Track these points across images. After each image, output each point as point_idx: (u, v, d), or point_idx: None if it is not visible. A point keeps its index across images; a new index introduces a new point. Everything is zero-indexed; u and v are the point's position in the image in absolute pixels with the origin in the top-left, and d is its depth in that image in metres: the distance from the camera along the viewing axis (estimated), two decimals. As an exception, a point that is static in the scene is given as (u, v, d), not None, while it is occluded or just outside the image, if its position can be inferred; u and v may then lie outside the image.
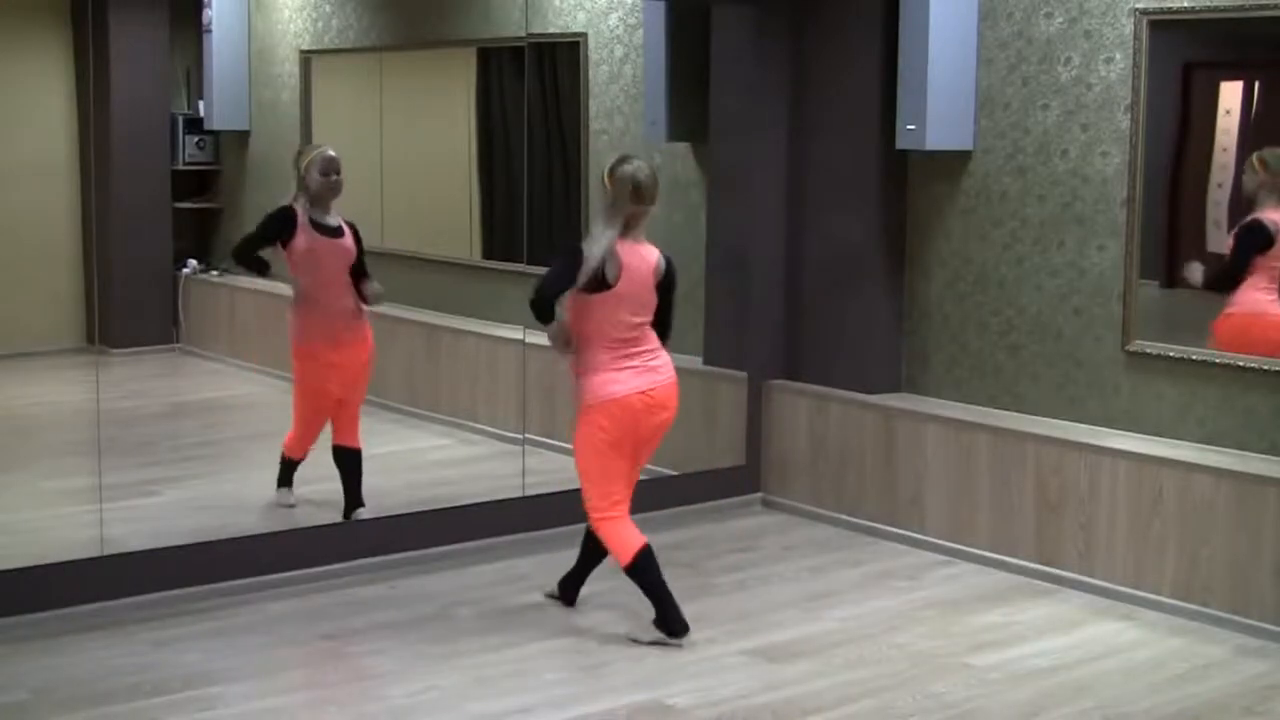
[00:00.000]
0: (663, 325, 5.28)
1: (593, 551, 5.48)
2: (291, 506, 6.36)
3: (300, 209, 6.10)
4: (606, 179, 5.10)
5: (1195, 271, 5.87)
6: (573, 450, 5.27)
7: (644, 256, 5.14)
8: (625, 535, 5.20)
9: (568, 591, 5.57)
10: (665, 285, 5.22)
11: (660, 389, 5.18)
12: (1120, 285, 5.92)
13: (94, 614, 5.31)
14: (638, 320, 5.16)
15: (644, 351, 5.18)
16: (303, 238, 6.07)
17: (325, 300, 6.16)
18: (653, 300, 5.19)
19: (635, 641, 5.19)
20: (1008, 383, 6.34)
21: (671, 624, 5.17)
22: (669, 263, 5.22)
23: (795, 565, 6.18)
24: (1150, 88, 5.77)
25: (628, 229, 5.09)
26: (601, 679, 4.91)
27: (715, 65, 7.06)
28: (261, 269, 6.22)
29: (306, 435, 6.35)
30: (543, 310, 5.08)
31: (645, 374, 5.16)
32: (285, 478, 6.45)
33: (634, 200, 5.06)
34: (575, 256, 5.06)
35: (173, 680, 4.80)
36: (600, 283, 5.04)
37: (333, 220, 6.16)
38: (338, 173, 6.15)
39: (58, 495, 6.35)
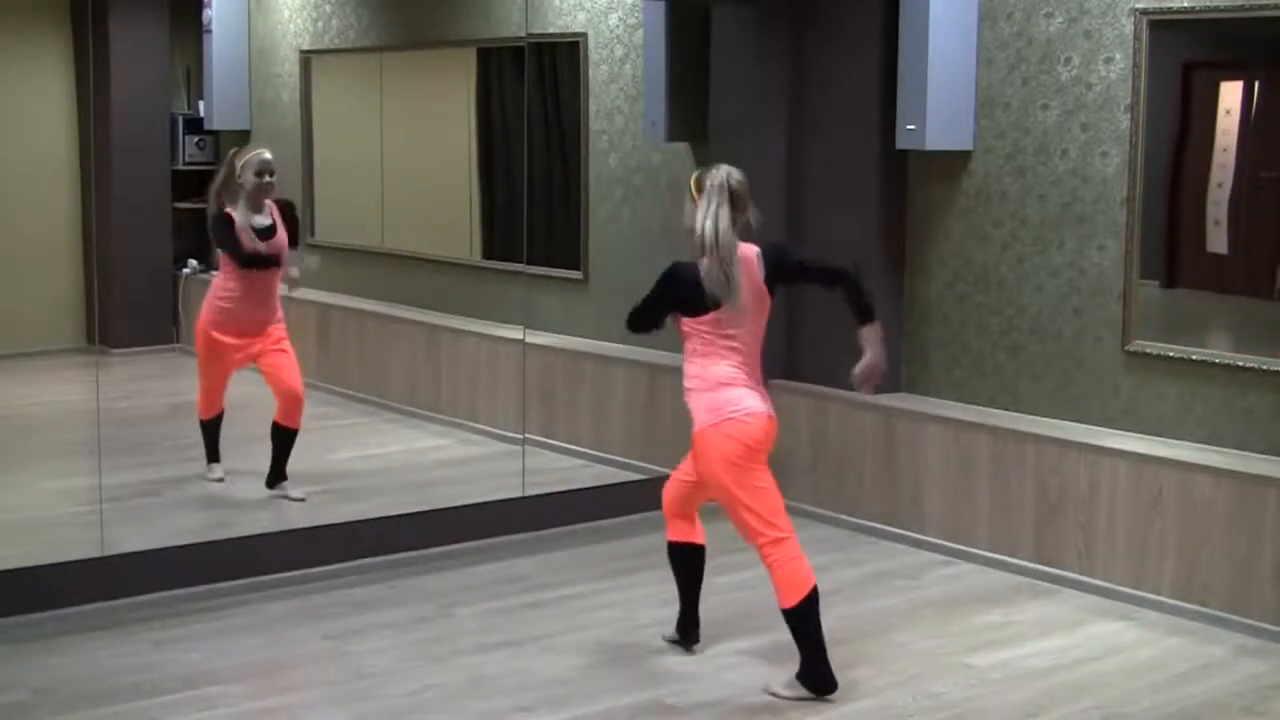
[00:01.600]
0: (832, 278, 4.87)
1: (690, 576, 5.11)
2: (220, 480, 6.64)
3: (236, 215, 6.32)
4: (694, 191, 4.72)
5: None
6: (716, 484, 4.76)
7: (749, 257, 4.73)
8: (805, 571, 4.74)
9: (688, 630, 5.14)
10: (780, 267, 4.78)
11: (762, 427, 4.71)
12: (1120, 285, 5.92)
13: (94, 614, 5.31)
14: (759, 329, 4.77)
15: (748, 385, 4.74)
16: (243, 243, 6.31)
17: (248, 299, 6.42)
18: (767, 297, 4.75)
19: (776, 696, 4.73)
20: (1008, 383, 6.34)
21: (825, 683, 4.71)
22: (766, 247, 4.80)
23: (795, 565, 6.17)
24: (1150, 88, 5.77)
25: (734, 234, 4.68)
26: (601, 679, 4.91)
27: (715, 65, 7.06)
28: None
29: (210, 407, 6.65)
30: (640, 331, 4.83)
31: (751, 408, 4.70)
32: (213, 448, 6.71)
33: (733, 208, 4.66)
34: (678, 283, 4.68)
35: (173, 680, 4.80)
36: (712, 299, 4.64)
37: (264, 219, 6.39)
38: (271, 174, 6.37)
39: (58, 495, 6.36)
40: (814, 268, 4.97)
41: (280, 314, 6.54)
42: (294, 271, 6.64)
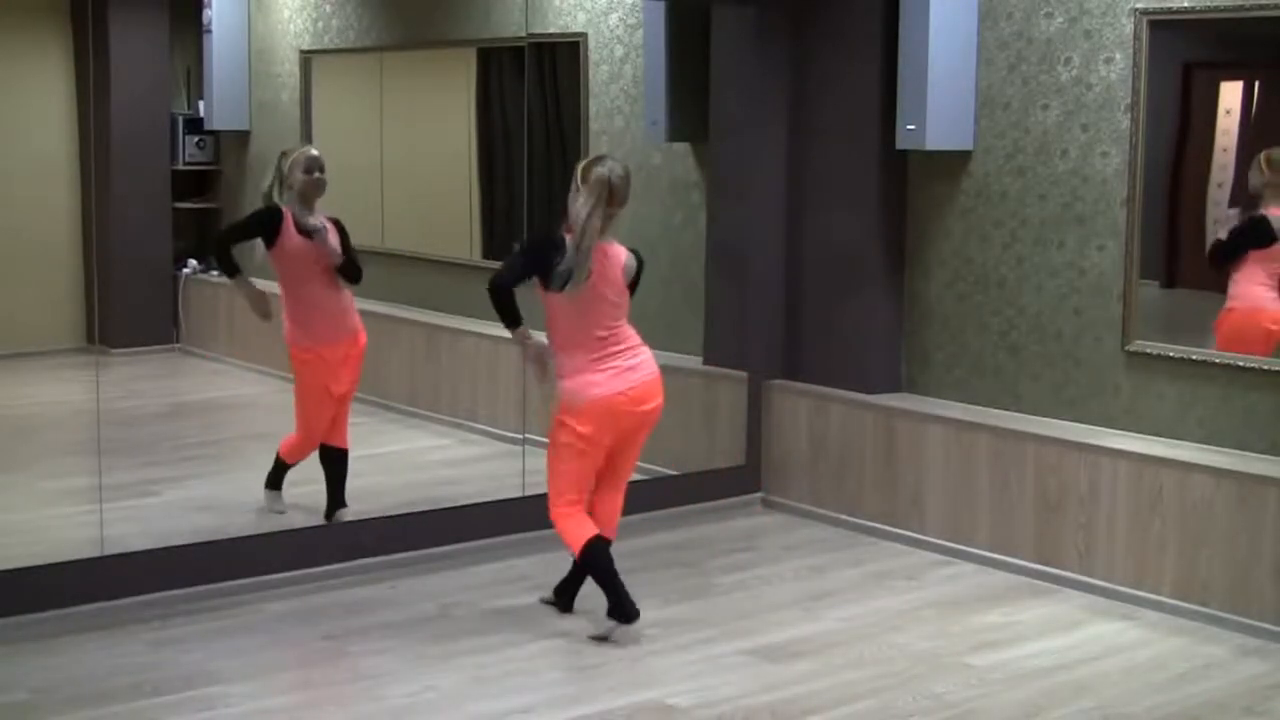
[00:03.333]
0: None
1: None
2: (281, 513, 6.32)
3: (288, 210, 6.08)
4: (579, 180, 5.10)
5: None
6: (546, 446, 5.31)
7: (613, 256, 5.17)
8: (579, 528, 5.24)
9: (563, 597, 5.55)
10: (634, 283, 5.26)
11: (640, 386, 5.20)
12: (1120, 285, 5.92)
13: (94, 614, 5.31)
14: (613, 321, 5.18)
15: (622, 351, 5.20)
16: (290, 240, 6.06)
17: (314, 300, 6.16)
18: (625, 299, 5.22)
19: (598, 639, 5.21)
20: (1008, 383, 6.34)
21: (625, 610, 5.18)
22: (638, 258, 5.25)
23: (795, 565, 6.18)
24: (1150, 88, 5.77)
25: (600, 231, 5.09)
26: (601, 679, 4.91)
27: (715, 65, 7.06)
28: (231, 270, 6.15)
29: (310, 439, 6.29)
30: (500, 296, 5.10)
31: (624, 374, 5.17)
32: (276, 480, 6.39)
33: (609, 202, 5.08)
34: (544, 250, 5.09)
35: (173, 680, 4.80)
36: (564, 283, 5.05)
37: (316, 222, 6.12)
38: (322, 170, 6.14)
39: (58, 495, 6.35)
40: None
41: (360, 324, 6.28)
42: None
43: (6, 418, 7.50)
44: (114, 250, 8.06)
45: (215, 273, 8.35)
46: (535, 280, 5.14)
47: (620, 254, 5.20)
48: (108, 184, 8.02)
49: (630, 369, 5.20)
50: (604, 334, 5.17)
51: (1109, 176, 5.92)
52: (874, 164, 6.57)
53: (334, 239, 6.15)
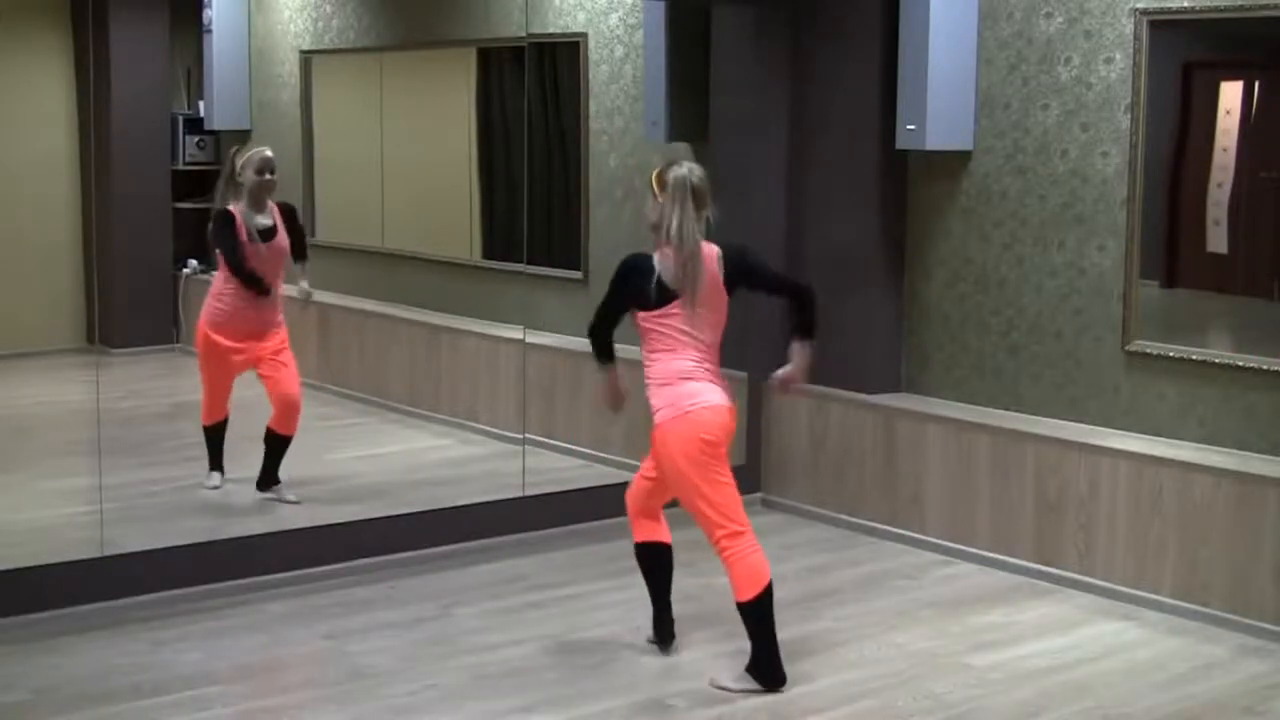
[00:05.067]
0: (787, 291, 5.00)
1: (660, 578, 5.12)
2: (216, 488, 6.55)
3: (237, 212, 6.29)
4: (656, 189, 4.76)
5: None
6: (676, 481, 4.81)
7: (710, 256, 4.78)
8: (762, 563, 4.77)
9: (663, 632, 5.14)
10: (742, 268, 4.83)
11: (723, 410, 4.78)
12: (1120, 285, 5.92)
13: (94, 614, 5.31)
14: (715, 320, 4.82)
15: (711, 370, 4.82)
16: (241, 244, 6.27)
17: (248, 300, 6.36)
18: (724, 295, 4.80)
19: (724, 689, 4.80)
20: (1008, 383, 6.34)
21: (775, 677, 4.80)
22: (727, 248, 4.83)
23: (795, 565, 6.18)
24: (1150, 88, 5.77)
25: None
26: (601, 679, 4.91)
27: (715, 65, 7.06)
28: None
29: (215, 410, 6.55)
30: (599, 343, 4.86)
31: (718, 392, 4.79)
32: (216, 456, 6.60)
33: (695, 204, 4.74)
34: (634, 277, 4.76)
35: (173, 680, 4.80)
36: (670, 293, 4.72)
37: (266, 220, 6.35)
38: (272, 172, 6.34)
39: (58, 495, 6.35)
40: (778, 275, 5.11)
41: (281, 318, 6.49)
42: (304, 284, 6.63)
43: (6, 418, 7.49)
44: (114, 250, 8.06)
45: (215, 273, 8.36)
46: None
47: (712, 251, 4.78)
48: (108, 184, 8.02)
49: (717, 389, 4.79)
50: (703, 351, 4.77)
51: (1109, 176, 5.92)
52: (874, 164, 6.57)
53: (282, 236, 6.39)
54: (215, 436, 6.61)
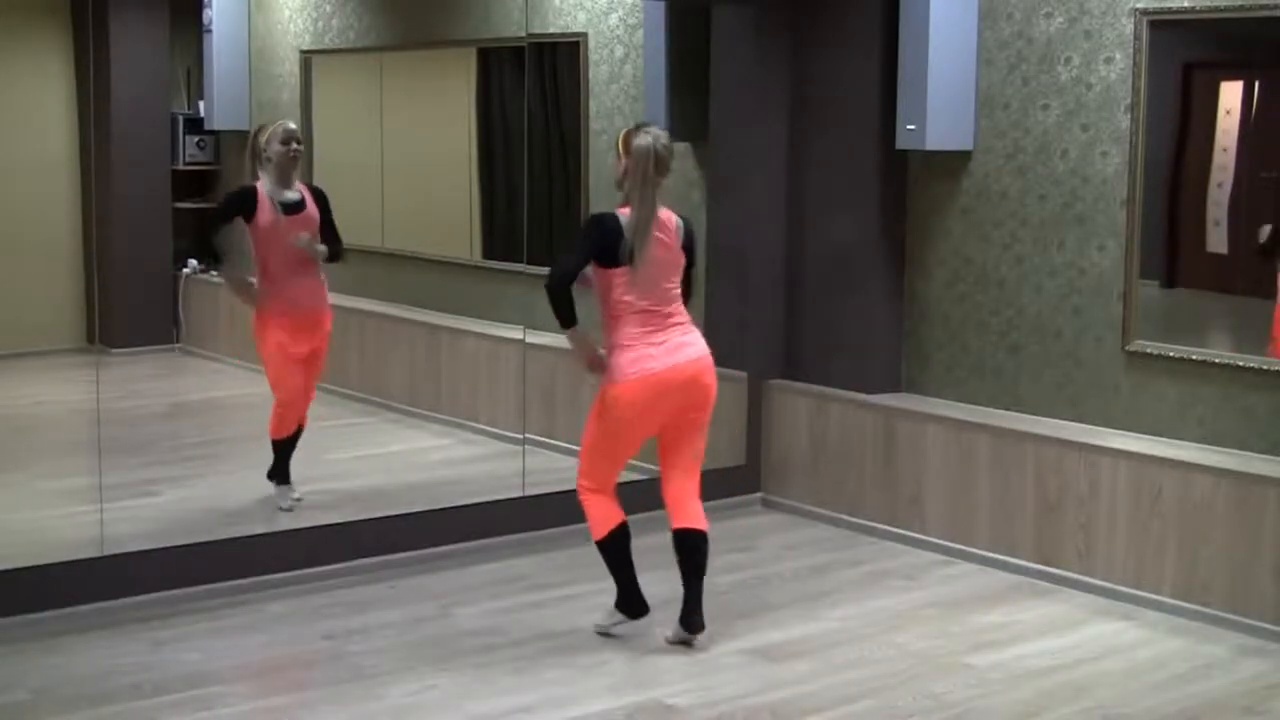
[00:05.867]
0: (685, 285, 5.21)
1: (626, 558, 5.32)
2: (289, 510, 6.32)
3: (261, 186, 6.21)
4: (621, 151, 5.03)
5: (1264, 231, 5.76)
6: (586, 419, 5.17)
7: (666, 221, 5.07)
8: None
9: (631, 604, 5.32)
10: (688, 247, 5.14)
11: (695, 362, 5.07)
12: (1120, 285, 5.92)
13: (94, 614, 5.31)
14: (671, 288, 5.07)
15: (676, 325, 5.08)
16: (265, 215, 6.18)
17: (288, 278, 6.27)
18: (682, 263, 5.09)
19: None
20: (1008, 383, 6.34)
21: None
22: (688, 224, 5.15)
23: (795, 565, 6.18)
24: (1150, 88, 5.77)
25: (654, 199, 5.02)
26: (601, 679, 4.91)
27: (715, 65, 7.06)
28: (216, 258, 6.39)
29: (287, 403, 6.34)
30: (558, 294, 4.94)
31: (679, 350, 5.05)
32: (281, 469, 6.40)
33: (656, 170, 4.98)
34: (599, 233, 4.99)
35: (173, 680, 4.80)
36: (627, 251, 4.95)
37: (293, 194, 6.27)
38: (298, 142, 6.27)
39: (58, 495, 6.35)
40: (693, 267, 5.24)
41: (327, 300, 6.40)
42: (320, 248, 6.39)
43: (6, 418, 7.49)
44: (114, 250, 8.05)
45: (215, 273, 8.36)
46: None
47: (672, 218, 5.09)
48: (108, 184, 8.02)
49: (683, 345, 5.08)
50: (661, 305, 5.04)
51: (1109, 176, 5.92)
52: (874, 164, 6.57)
53: (311, 210, 6.30)
54: (286, 453, 6.43)
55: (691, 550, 5.16)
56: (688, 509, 5.19)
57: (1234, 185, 5.73)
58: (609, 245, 4.97)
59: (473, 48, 8.19)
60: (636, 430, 5.12)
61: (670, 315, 5.08)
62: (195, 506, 6.45)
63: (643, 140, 4.99)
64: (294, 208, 6.26)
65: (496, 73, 8.13)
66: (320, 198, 6.39)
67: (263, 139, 6.25)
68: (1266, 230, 5.71)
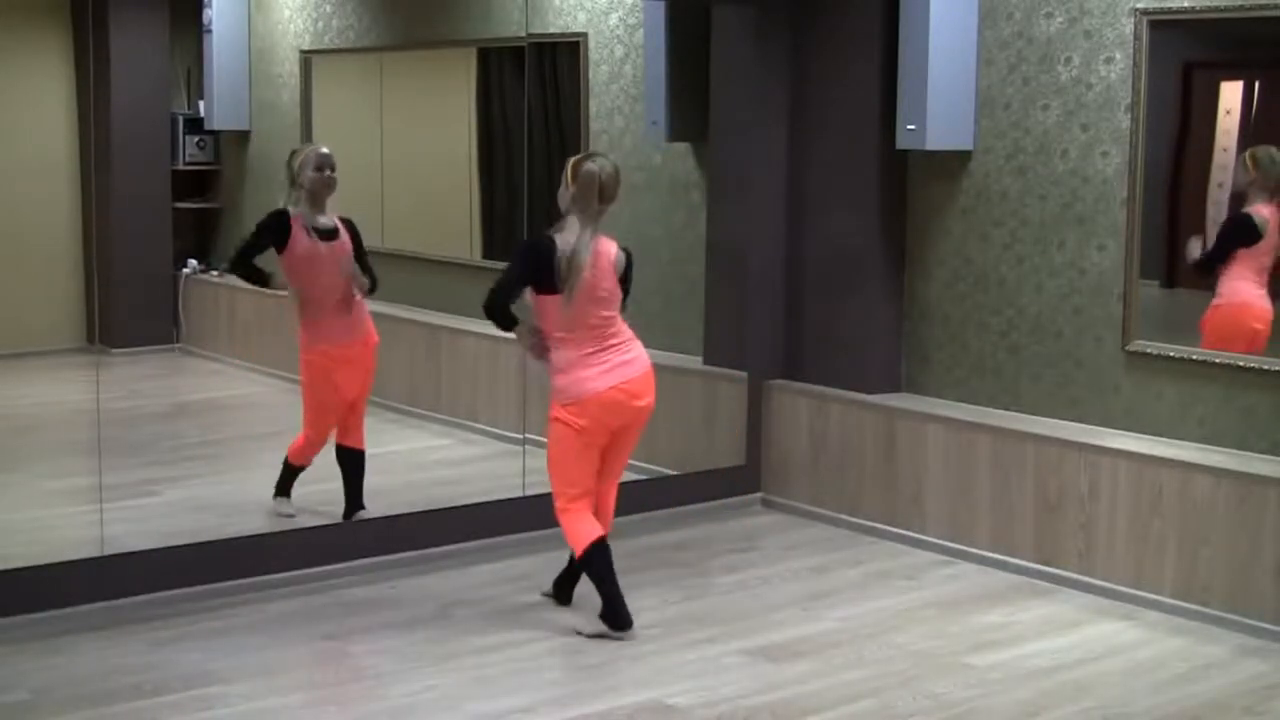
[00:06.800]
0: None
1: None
2: (290, 516, 6.28)
3: (295, 212, 6.03)
4: (570, 177, 5.14)
5: (1194, 247, 5.89)
6: (546, 444, 5.34)
7: (604, 251, 5.17)
8: (582, 527, 5.25)
9: (562, 591, 5.59)
10: (625, 278, 5.24)
11: (634, 382, 5.21)
12: (1120, 285, 5.92)
13: (94, 614, 5.31)
14: (607, 313, 5.19)
15: (616, 345, 5.21)
16: (299, 244, 6.00)
17: (327, 303, 6.09)
18: (618, 293, 5.21)
19: (580, 634, 5.25)
20: (1008, 383, 6.34)
21: (617, 619, 5.22)
22: (628, 255, 5.26)
23: (795, 565, 6.18)
24: (1150, 88, 5.77)
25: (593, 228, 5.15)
26: (601, 679, 4.91)
27: (715, 65, 7.06)
28: (261, 280, 6.13)
29: (316, 440, 6.26)
30: (497, 315, 5.14)
31: (618, 369, 5.18)
32: (285, 486, 6.36)
33: (600, 199, 5.11)
34: (534, 258, 5.11)
35: (173, 680, 4.80)
36: (562, 280, 5.07)
37: (327, 221, 6.09)
38: (333, 169, 6.09)
39: (58, 495, 6.35)
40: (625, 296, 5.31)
41: (371, 327, 6.23)
42: (362, 279, 6.17)
43: (6, 418, 7.49)
44: (114, 250, 8.06)
45: (215, 273, 8.37)
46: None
47: (611, 248, 5.20)
48: (108, 184, 8.02)
49: (624, 364, 5.21)
50: (598, 329, 5.17)
51: (1109, 176, 5.92)
52: (874, 164, 6.57)
53: (345, 240, 6.12)
54: (293, 475, 6.34)
55: (609, 562, 5.28)
56: (602, 514, 5.41)
57: (1234, 185, 5.73)
58: (543, 270, 5.09)
59: (473, 48, 8.19)
60: (587, 448, 5.24)
61: (608, 337, 5.19)
62: (195, 506, 6.45)
63: (589, 167, 5.11)
64: (330, 235, 6.08)
65: (497, 73, 8.13)
66: (351, 228, 6.19)
67: (295, 163, 6.07)
68: (1196, 247, 5.82)
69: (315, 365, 6.15)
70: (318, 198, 6.07)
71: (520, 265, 5.16)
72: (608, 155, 5.33)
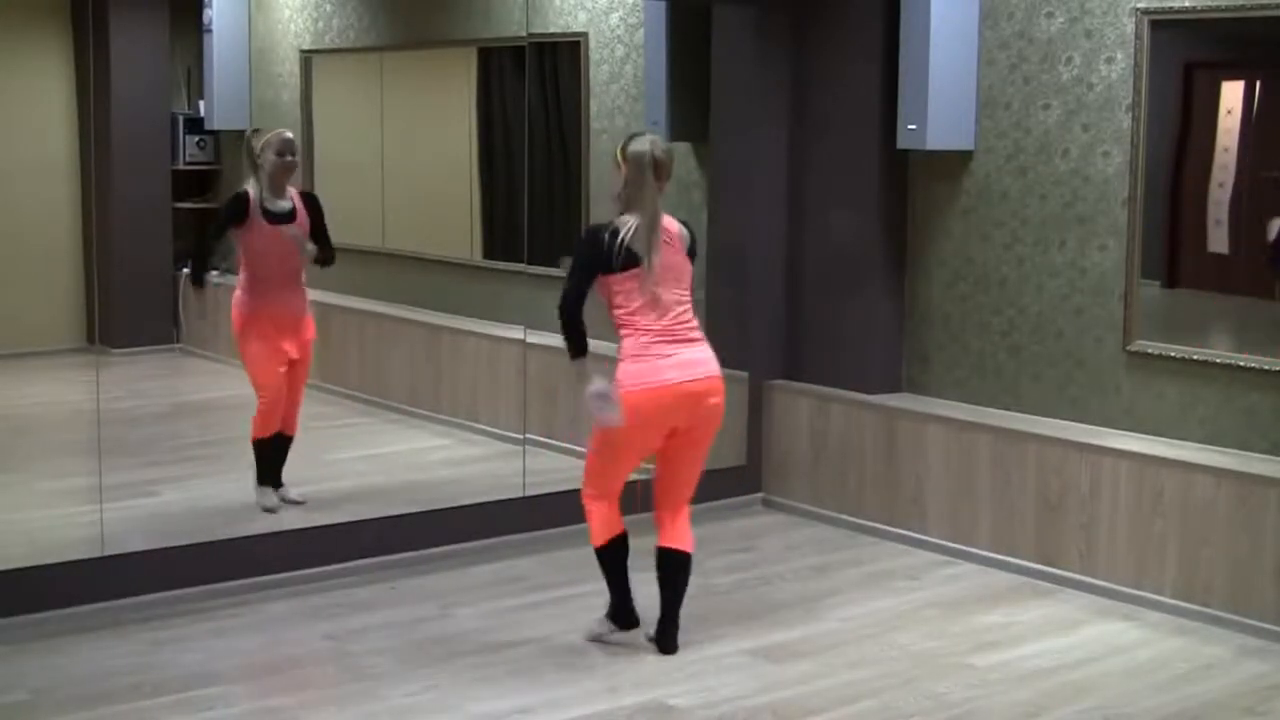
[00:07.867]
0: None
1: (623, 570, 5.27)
2: (271, 511, 6.28)
3: (253, 194, 6.17)
4: (620, 159, 4.94)
5: (1274, 227, 5.73)
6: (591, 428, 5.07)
7: (670, 228, 5.00)
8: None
9: (623, 619, 5.27)
10: (692, 252, 5.07)
11: (703, 381, 4.94)
12: (1121, 285, 5.92)
13: (94, 614, 5.31)
14: (682, 290, 4.98)
15: (688, 341, 4.96)
16: (253, 225, 6.15)
17: (271, 286, 6.24)
18: (688, 267, 5.01)
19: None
20: (1009, 383, 6.34)
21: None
22: (690, 229, 5.09)
23: (796, 565, 6.17)
24: (1151, 87, 5.76)
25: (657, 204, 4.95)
26: (601, 679, 4.90)
27: (715, 65, 7.06)
28: (207, 266, 6.50)
29: (272, 401, 6.29)
30: (570, 316, 4.87)
31: (687, 366, 4.93)
32: (264, 473, 6.38)
33: (656, 176, 4.91)
34: (596, 244, 4.89)
35: (173, 680, 4.80)
36: (634, 260, 4.86)
37: (284, 204, 6.23)
38: (294, 154, 6.22)
39: (58, 495, 6.35)
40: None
41: (309, 313, 6.37)
42: (310, 247, 6.34)
43: (6, 418, 7.50)
44: (114, 250, 8.06)
45: (215, 273, 8.36)
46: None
47: (674, 224, 5.01)
48: (108, 184, 8.02)
49: (692, 361, 4.95)
50: (670, 316, 4.93)
51: (1110, 176, 5.92)
52: (874, 164, 6.57)
53: (302, 219, 6.25)
54: (266, 452, 6.40)
55: (675, 570, 5.13)
56: (677, 527, 5.16)
57: (1235, 185, 5.73)
58: (608, 253, 4.87)
59: (473, 48, 8.19)
60: (637, 443, 5.02)
61: (680, 329, 4.97)
62: (195, 506, 6.45)
63: (639, 146, 4.94)
64: (283, 218, 6.22)
65: (497, 73, 8.13)
66: (312, 204, 6.34)
67: (257, 145, 6.19)
68: (1276, 226, 5.70)
69: (253, 334, 6.25)
70: (276, 181, 6.20)
71: (585, 250, 4.93)
72: (652, 133, 5.14)
